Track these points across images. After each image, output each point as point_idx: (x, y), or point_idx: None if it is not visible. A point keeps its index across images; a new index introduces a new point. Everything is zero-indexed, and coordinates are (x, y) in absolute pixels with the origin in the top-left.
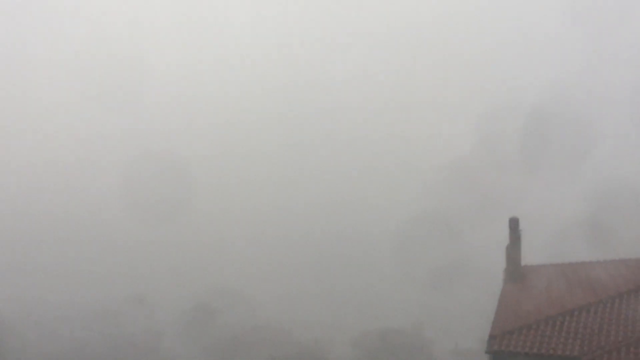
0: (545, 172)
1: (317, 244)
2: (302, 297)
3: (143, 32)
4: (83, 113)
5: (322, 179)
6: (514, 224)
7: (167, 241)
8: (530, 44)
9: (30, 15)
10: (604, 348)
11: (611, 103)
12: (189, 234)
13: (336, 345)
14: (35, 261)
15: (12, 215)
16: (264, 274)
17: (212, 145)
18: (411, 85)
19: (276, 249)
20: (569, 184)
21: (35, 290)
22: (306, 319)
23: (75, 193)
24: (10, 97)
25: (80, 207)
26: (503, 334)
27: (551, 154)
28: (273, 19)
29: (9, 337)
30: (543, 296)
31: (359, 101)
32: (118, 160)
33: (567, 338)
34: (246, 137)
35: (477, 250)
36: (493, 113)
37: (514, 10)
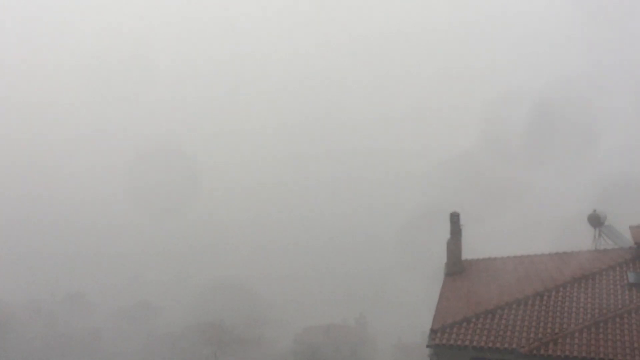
0: (550, 165)
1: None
2: (245, 296)
3: (149, 30)
4: (89, 109)
5: (329, 172)
6: (454, 218)
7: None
8: (536, 38)
9: (36, 14)
10: (541, 340)
11: (616, 97)
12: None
13: (279, 341)
14: None
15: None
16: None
17: (217, 142)
18: (417, 80)
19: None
20: (573, 177)
21: None
22: (249, 316)
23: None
24: (17, 94)
25: (82, 203)
26: (444, 328)
27: (556, 147)
28: (279, 22)
29: None
30: (483, 289)
31: (366, 100)
32: (122, 155)
33: (505, 330)
34: (252, 133)
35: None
36: (497, 108)
37: (520, 5)
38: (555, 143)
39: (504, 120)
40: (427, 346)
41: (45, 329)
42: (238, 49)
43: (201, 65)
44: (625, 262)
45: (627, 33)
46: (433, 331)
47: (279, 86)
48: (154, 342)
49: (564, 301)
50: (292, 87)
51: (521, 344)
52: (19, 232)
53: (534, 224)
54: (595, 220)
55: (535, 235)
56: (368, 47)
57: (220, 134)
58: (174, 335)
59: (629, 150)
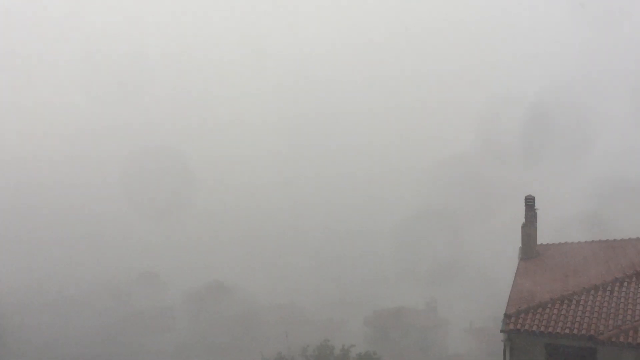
0: (546, 166)
1: (326, 233)
2: (315, 279)
3: (145, 30)
4: (85, 108)
5: (326, 174)
6: (530, 201)
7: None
8: (533, 41)
9: (33, 13)
10: (620, 327)
11: (611, 99)
12: (207, 220)
13: (349, 323)
14: (43, 246)
15: (18, 207)
16: (278, 258)
17: (215, 142)
18: (413, 81)
19: (288, 237)
20: (570, 179)
21: (45, 270)
22: (320, 299)
23: (78, 184)
24: (14, 93)
25: (85, 197)
26: (518, 313)
27: (552, 148)
28: (277, 19)
29: (14, 314)
30: (558, 275)
31: (363, 99)
32: (119, 155)
33: (582, 317)
34: (250, 133)
35: (479, 242)
36: (494, 110)
37: (517, 8)
38: (551, 145)
39: (501, 122)
40: (501, 331)
41: (121, 306)
42: (238, 47)
43: (199, 62)
44: None
45: (623, 36)
46: (507, 316)
47: (277, 85)
48: (225, 322)
49: None
50: (290, 86)
51: (599, 331)
52: (90, 217)
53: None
54: None
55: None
56: (364, 47)
57: (220, 130)
58: (245, 316)
59: (625, 153)
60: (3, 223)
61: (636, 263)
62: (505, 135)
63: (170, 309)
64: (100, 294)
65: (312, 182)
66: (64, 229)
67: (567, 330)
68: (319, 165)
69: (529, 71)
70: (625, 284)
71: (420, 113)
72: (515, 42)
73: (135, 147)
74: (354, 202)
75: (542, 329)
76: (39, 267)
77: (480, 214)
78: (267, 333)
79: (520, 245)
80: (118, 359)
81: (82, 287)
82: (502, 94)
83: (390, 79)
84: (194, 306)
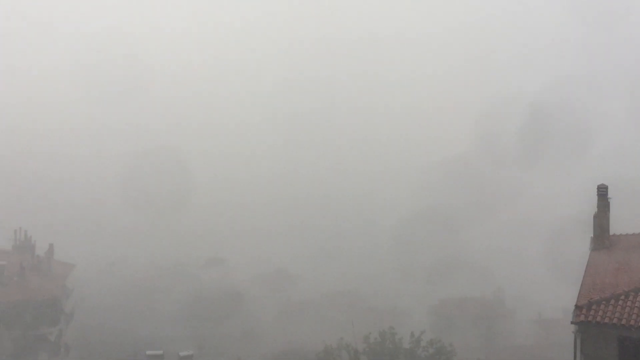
0: (545, 166)
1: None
2: (378, 268)
3: (145, 29)
4: (86, 108)
5: (323, 176)
6: (602, 190)
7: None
8: (530, 41)
9: (35, 12)
10: None
11: (610, 99)
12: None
13: (414, 313)
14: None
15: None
16: (341, 246)
17: (218, 141)
18: (411, 82)
19: (353, 227)
20: (568, 180)
21: (116, 251)
22: (384, 287)
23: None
24: (16, 93)
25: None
26: (589, 305)
27: (550, 150)
28: (276, 18)
29: (90, 297)
30: (632, 265)
31: (360, 100)
32: (121, 155)
33: None
34: (248, 136)
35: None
36: (492, 110)
37: (514, 8)
38: (550, 145)
39: (500, 122)
40: (572, 322)
41: (190, 291)
42: (241, 46)
43: (196, 61)
44: None
45: (622, 36)
46: (578, 307)
47: (275, 85)
48: (291, 308)
49: None
50: (288, 86)
51: None
52: (160, 204)
53: (527, 225)
54: None
55: (529, 236)
56: (361, 45)
57: (224, 130)
58: (311, 303)
59: (624, 152)
60: (80, 211)
61: None
62: (504, 134)
63: (237, 295)
64: (170, 278)
65: (310, 181)
66: (136, 215)
67: None
68: (317, 165)
69: (528, 70)
70: None
71: (419, 112)
72: (514, 41)
73: (163, 142)
74: (354, 201)
75: (614, 321)
76: (112, 252)
77: (479, 213)
78: (330, 321)
79: (592, 235)
80: (186, 342)
81: (152, 271)
82: (501, 94)
83: (388, 77)
84: (260, 292)
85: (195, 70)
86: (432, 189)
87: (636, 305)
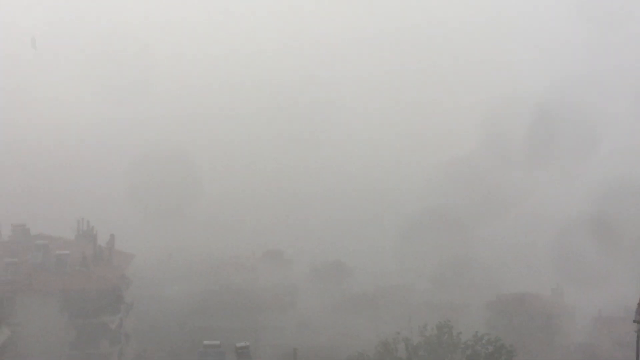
0: (551, 167)
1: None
2: (432, 261)
3: (149, 24)
4: (89, 105)
5: (329, 175)
6: None
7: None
8: (537, 40)
9: (37, 7)
10: None
11: (617, 99)
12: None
13: (471, 308)
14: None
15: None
16: (396, 240)
17: (221, 138)
18: (418, 81)
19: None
20: (575, 180)
21: (174, 242)
22: (440, 281)
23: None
24: (18, 89)
25: None
26: None
27: (557, 150)
28: (280, 14)
29: (149, 287)
30: None
31: (367, 98)
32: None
33: None
34: (250, 132)
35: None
36: (500, 110)
37: (520, 7)
38: (556, 145)
39: (507, 122)
40: (634, 321)
41: (247, 282)
42: (245, 42)
43: (206, 58)
44: None
45: (629, 36)
46: None
47: (277, 85)
48: (346, 302)
49: None
50: (286, 87)
51: None
52: (220, 196)
53: (535, 226)
54: None
55: (536, 237)
56: (366, 45)
57: (226, 126)
58: (367, 296)
59: (631, 153)
60: (140, 201)
61: None
62: (512, 134)
63: (292, 287)
64: (227, 270)
65: (316, 180)
66: (192, 206)
67: None
68: (323, 165)
69: (535, 70)
70: None
71: (426, 112)
72: (522, 41)
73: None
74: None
75: None
76: (171, 243)
77: (485, 214)
78: (386, 314)
79: None
80: (242, 333)
81: (209, 262)
82: (508, 93)
83: (394, 77)
84: (316, 285)
85: (200, 65)
86: (439, 188)
87: None
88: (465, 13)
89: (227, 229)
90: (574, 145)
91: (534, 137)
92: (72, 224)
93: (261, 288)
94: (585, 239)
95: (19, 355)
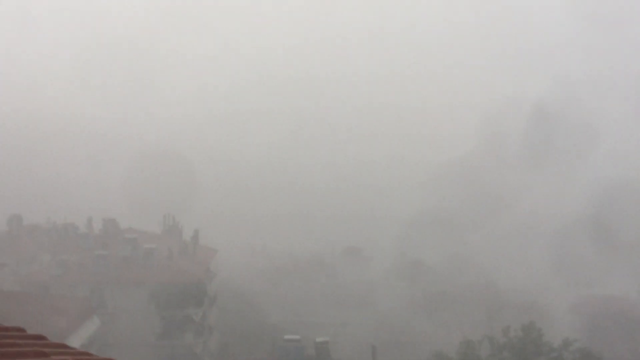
0: (549, 169)
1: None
2: (513, 261)
3: (148, 25)
4: (87, 106)
5: (326, 176)
6: None
7: None
8: (534, 42)
9: (35, 6)
10: None
11: (614, 101)
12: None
13: (554, 310)
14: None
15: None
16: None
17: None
18: (415, 82)
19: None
20: (572, 182)
21: (257, 238)
22: (521, 282)
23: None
24: (15, 91)
25: None
26: None
27: (554, 151)
28: (281, 15)
29: (231, 281)
30: None
31: (364, 99)
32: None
33: None
34: (248, 135)
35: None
36: (497, 111)
37: (518, 8)
38: (553, 147)
39: (503, 124)
40: None
41: (326, 279)
42: (245, 42)
43: (197, 58)
44: None
45: (627, 37)
46: None
47: (275, 84)
48: (426, 300)
49: None
50: (288, 85)
51: None
52: (302, 193)
53: (532, 228)
54: None
55: (533, 239)
56: (364, 45)
57: (228, 125)
58: (447, 295)
59: (628, 154)
60: (224, 198)
61: None
62: (509, 136)
63: (371, 284)
64: (307, 266)
65: (313, 181)
66: (277, 205)
67: None
68: (320, 165)
69: (532, 72)
70: None
71: (422, 113)
72: (519, 42)
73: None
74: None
75: None
76: (253, 239)
77: (482, 216)
78: (466, 313)
79: None
80: (322, 328)
81: (290, 258)
82: (505, 95)
83: (390, 78)
84: (395, 283)
85: (198, 65)
86: (436, 190)
87: None
88: (462, 14)
89: (306, 226)
90: (571, 146)
91: (531, 138)
92: (159, 219)
93: (340, 285)
94: (582, 240)
95: (109, 344)
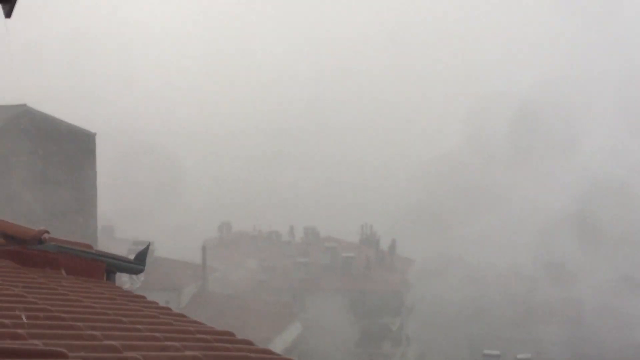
0: (533, 167)
1: None
2: None
3: (137, 24)
4: (77, 106)
5: (313, 172)
6: None
7: None
8: (520, 39)
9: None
10: None
11: (599, 99)
12: None
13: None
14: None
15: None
16: None
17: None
18: (399, 78)
19: None
20: (557, 179)
21: (452, 250)
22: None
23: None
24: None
25: None
26: None
27: (539, 148)
28: (273, 15)
29: (428, 292)
30: None
31: (349, 97)
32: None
33: None
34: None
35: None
36: (481, 108)
37: (503, 5)
38: (539, 143)
39: (487, 121)
40: None
41: (525, 293)
42: (239, 41)
43: (196, 57)
44: None
45: (612, 35)
46: None
47: (263, 87)
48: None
49: None
50: (277, 87)
51: None
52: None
53: (516, 226)
54: None
55: (517, 237)
56: (347, 42)
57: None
58: None
59: (613, 152)
60: (421, 209)
61: None
62: (493, 133)
63: (575, 301)
64: (506, 278)
65: (301, 177)
66: (470, 216)
67: None
68: (307, 161)
69: (517, 69)
70: None
71: (407, 110)
72: (504, 39)
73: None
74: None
75: None
76: (449, 251)
77: (467, 213)
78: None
79: None
80: (523, 345)
81: (488, 269)
82: (490, 92)
83: (375, 75)
84: (603, 300)
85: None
86: (422, 186)
87: None
88: (447, 11)
89: (504, 240)
90: (557, 143)
91: (516, 134)
92: (356, 229)
93: (541, 300)
94: (567, 236)
95: (309, 350)
